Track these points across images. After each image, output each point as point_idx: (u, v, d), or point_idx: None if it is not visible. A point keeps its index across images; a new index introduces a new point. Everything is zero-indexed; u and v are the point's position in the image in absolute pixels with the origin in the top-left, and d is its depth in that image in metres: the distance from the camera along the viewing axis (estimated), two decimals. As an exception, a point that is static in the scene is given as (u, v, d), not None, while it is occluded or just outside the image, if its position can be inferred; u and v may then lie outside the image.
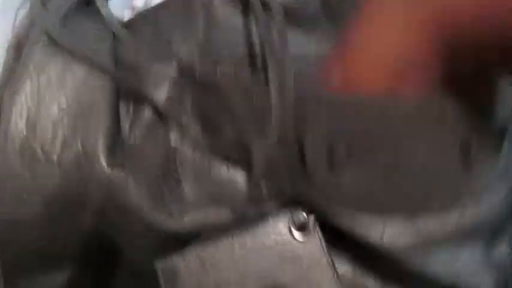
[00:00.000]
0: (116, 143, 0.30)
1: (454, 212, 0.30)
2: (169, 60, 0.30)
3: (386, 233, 0.31)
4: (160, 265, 0.31)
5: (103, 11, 0.31)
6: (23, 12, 0.32)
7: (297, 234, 0.32)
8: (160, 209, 0.30)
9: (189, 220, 0.31)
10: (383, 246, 0.31)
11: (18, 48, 0.30)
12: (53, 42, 0.30)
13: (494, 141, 0.30)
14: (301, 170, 0.30)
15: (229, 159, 0.31)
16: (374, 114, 0.29)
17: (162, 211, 0.30)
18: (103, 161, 0.29)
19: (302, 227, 0.32)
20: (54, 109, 0.29)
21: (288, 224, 0.32)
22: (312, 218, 0.31)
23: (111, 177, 0.29)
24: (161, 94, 0.31)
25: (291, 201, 0.32)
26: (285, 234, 0.32)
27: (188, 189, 0.31)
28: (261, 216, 0.32)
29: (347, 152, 0.30)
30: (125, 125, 0.30)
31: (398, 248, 0.31)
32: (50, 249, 0.31)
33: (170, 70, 0.30)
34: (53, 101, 0.29)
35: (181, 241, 0.31)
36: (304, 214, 0.31)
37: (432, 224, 0.30)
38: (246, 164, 0.31)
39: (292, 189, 0.31)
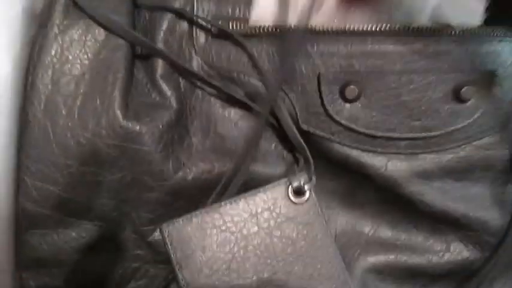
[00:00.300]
0: (131, 97, 0.32)
1: (449, 151, 0.33)
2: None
3: (390, 164, 0.34)
4: (165, 228, 0.33)
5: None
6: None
7: (293, 197, 0.34)
8: (170, 157, 0.32)
9: (196, 170, 0.33)
10: (386, 173, 0.34)
11: (46, 12, 0.33)
12: (76, 7, 0.32)
13: (486, 81, 0.32)
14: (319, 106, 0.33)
15: (244, 109, 0.34)
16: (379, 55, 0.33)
17: (172, 159, 0.32)
18: (119, 114, 0.31)
19: (298, 192, 0.34)
20: (77, 67, 0.32)
21: (286, 188, 0.34)
22: (308, 183, 0.33)
23: (127, 127, 0.31)
24: (174, 45, 0.34)
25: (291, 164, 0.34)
26: (283, 198, 0.34)
27: (196, 140, 0.33)
28: (262, 172, 0.34)
29: (358, 88, 0.33)
30: (141, 79, 0.33)
31: (400, 176, 0.34)
32: (67, 204, 0.33)
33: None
34: (76, 60, 0.32)
35: (186, 196, 0.33)
36: (302, 180, 0.33)
37: (430, 160, 0.34)
38: (261, 116, 0.33)
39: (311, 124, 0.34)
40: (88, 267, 0.34)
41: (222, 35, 0.34)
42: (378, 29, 0.33)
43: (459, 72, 0.33)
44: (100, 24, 0.32)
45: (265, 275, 0.33)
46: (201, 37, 0.34)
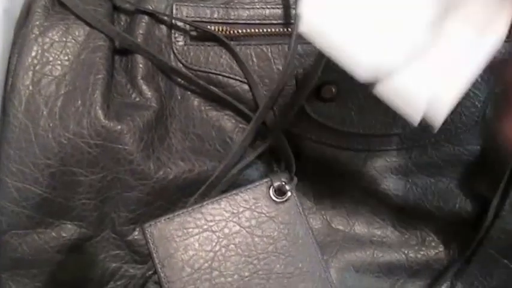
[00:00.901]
0: (112, 98, 0.32)
1: (423, 147, 0.35)
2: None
3: (365, 160, 0.35)
4: (147, 228, 0.33)
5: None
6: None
7: (275, 197, 0.35)
8: (151, 157, 0.32)
9: (176, 169, 0.33)
10: (362, 170, 0.35)
11: (26, 13, 0.33)
12: (56, 7, 0.32)
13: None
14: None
15: (224, 110, 0.35)
16: None
17: (153, 159, 0.32)
18: (101, 114, 0.31)
19: (280, 191, 0.35)
20: (57, 68, 0.32)
21: (267, 188, 0.35)
22: (289, 183, 0.34)
23: (108, 127, 0.31)
24: (154, 48, 0.34)
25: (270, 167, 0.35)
26: (264, 198, 0.35)
27: (176, 140, 0.34)
28: (241, 171, 0.35)
29: (334, 88, 0.33)
30: (121, 80, 0.33)
31: (376, 172, 0.35)
32: (48, 205, 0.33)
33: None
34: (56, 61, 0.32)
35: (166, 195, 0.34)
36: (283, 179, 0.34)
37: (404, 156, 0.35)
38: (243, 114, 0.35)
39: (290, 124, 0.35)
40: (68, 268, 0.33)
41: (201, 37, 0.35)
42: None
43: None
44: (83, 21, 0.33)
45: (247, 274, 0.34)
46: (179, 40, 0.35)
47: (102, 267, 0.34)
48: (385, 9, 0.23)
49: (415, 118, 0.23)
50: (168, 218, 0.34)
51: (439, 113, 0.23)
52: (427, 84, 0.23)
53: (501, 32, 0.23)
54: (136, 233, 0.34)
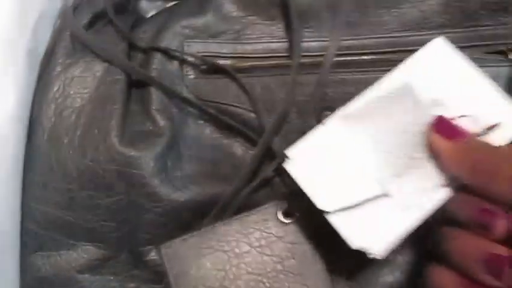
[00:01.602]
0: (127, 127, 0.35)
1: None
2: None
3: None
4: (163, 248, 0.35)
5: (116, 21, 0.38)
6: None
7: (283, 218, 0.36)
8: (164, 181, 0.34)
9: (189, 192, 0.35)
10: None
11: (50, 52, 0.36)
12: (77, 47, 0.36)
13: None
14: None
15: (234, 137, 0.37)
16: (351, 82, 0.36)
17: (166, 183, 0.34)
18: (116, 141, 0.34)
19: (287, 213, 0.36)
20: (77, 100, 0.35)
21: (275, 210, 0.36)
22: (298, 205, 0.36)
23: (123, 153, 0.34)
24: (166, 82, 0.37)
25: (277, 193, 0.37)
26: (273, 219, 0.36)
27: (188, 165, 0.36)
28: (252, 194, 0.36)
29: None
30: (136, 111, 0.36)
31: None
32: (69, 227, 0.35)
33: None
34: (76, 94, 0.35)
35: (179, 217, 0.36)
36: (291, 203, 0.36)
37: None
38: (251, 140, 0.37)
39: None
40: (88, 287, 0.35)
41: (210, 71, 0.37)
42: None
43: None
44: (102, 58, 0.36)
45: (256, 291, 0.35)
46: (190, 74, 0.37)
47: (121, 286, 0.36)
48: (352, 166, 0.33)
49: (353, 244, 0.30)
50: (183, 239, 0.36)
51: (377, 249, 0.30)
52: (371, 225, 0.31)
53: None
54: (152, 253, 0.36)
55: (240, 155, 0.37)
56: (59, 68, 0.36)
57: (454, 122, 0.31)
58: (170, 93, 0.36)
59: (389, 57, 0.36)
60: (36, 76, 0.37)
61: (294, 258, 0.36)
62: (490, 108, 0.33)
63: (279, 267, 0.36)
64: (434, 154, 0.30)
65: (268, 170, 0.36)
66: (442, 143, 0.30)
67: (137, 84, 0.37)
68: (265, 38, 0.37)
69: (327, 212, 0.32)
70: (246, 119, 0.38)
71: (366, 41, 0.37)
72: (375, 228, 0.31)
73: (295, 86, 0.35)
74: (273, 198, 0.37)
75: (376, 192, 0.32)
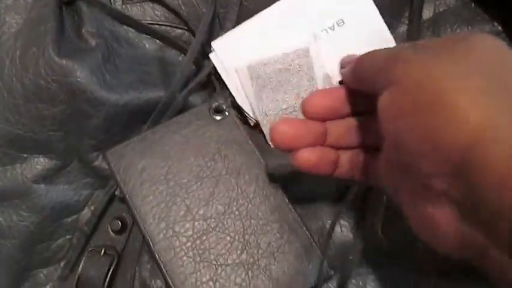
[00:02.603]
0: (62, 44, 0.38)
1: None
2: None
3: None
4: (109, 154, 0.39)
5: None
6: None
7: (214, 115, 0.41)
8: (103, 86, 0.38)
9: (128, 96, 0.39)
10: None
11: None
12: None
13: None
14: None
15: (166, 49, 0.42)
16: None
17: (106, 89, 0.38)
18: (54, 54, 0.37)
19: (218, 110, 0.41)
20: (14, 25, 0.39)
21: (208, 110, 0.41)
22: (226, 102, 0.40)
23: (61, 64, 0.37)
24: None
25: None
26: (205, 117, 0.41)
27: (124, 74, 0.40)
28: (186, 98, 0.41)
29: None
30: (69, 34, 0.40)
31: None
32: (20, 141, 0.38)
33: None
34: (12, 20, 0.39)
35: (121, 121, 0.39)
36: (220, 101, 0.40)
37: None
38: (182, 50, 0.41)
39: None
40: (45, 197, 0.39)
41: None
42: None
43: None
44: None
45: (198, 178, 0.39)
46: (117, 1, 0.42)
47: (76, 194, 0.40)
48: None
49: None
50: (125, 144, 0.39)
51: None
52: None
53: None
54: (100, 159, 0.40)
55: (172, 63, 0.41)
56: (-9, 0, 0.39)
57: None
58: (101, 16, 0.40)
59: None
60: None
61: (227, 147, 0.40)
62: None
63: (216, 156, 0.40)
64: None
65: (201, 74, 0.41)
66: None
67: (67, 9, 0.41)
68: None
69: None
70: (175, 35, 0.42)
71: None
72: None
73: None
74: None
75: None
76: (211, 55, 0.40)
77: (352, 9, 0.41)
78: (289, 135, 0.31)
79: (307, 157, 0.32)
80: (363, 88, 0.29)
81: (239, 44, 0.40)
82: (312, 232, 0.38)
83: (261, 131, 0.40)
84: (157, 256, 0.36)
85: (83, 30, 0.40)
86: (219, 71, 0.39)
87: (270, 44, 0.40)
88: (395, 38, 0.40)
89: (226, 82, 0.39)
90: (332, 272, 0.37)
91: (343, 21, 0.41)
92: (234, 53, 0.39)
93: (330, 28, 0.41)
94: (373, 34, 0.41)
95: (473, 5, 0.42)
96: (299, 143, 0.32)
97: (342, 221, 0.39)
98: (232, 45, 0.40)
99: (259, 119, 0.40)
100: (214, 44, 0.40)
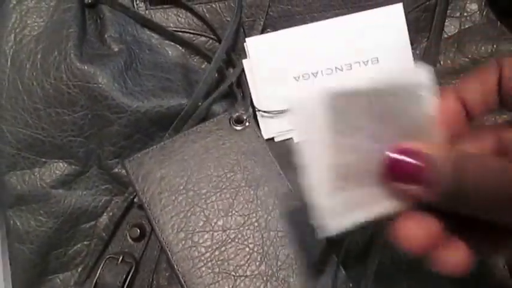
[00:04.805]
0: (84, 50, 0.38)
1: None
2: None
3: None
4: (127, 163, 0.38)
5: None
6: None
7: (235, 126, 0.40)
8: (125, 93, 0.38)
9: (149, 104, 0.38)
10: None
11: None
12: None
13: None
14: None
15: (189, 57, 0.41)
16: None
17: (128, 96, 0.38)
18: (75, 59, 0.37)
19: (238, 120, 0.40)
20: (35, 29, 0.38)
21: (228, 120, 0.41)
22: (247, 113, 0.40)
23: (82, 69, 0.37)
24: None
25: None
26: (226, 127, 0.40)
27: (147, 81, 0.39)
28: (208, 108, 0.40)
29: (272, 30, 0.42)
30: (91, 38, 0.39)
31: None
32: (39, 145, 0.38)
33: None
34: (34, 24, 0.38)
35: (142, 128, 0.39)
36: (241, 111, 0.40)
37: None
38: (206, 57, 0.41)
39: None
40: (63, 203, 0.39)
41: (159, 2, 0.42)
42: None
43: None
44: None
45: (217, 189, 0.39)
46: (141, 6, 0.42)
47: (95, 200, 0.40)
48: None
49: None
50: (145, 152, 0.39)
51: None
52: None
53: None
54: (120, 166, 0.39)
55: (196, 71, 0.41)
56: (13, 1, 0.38)
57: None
58: (124, 22, 0.40)
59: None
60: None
61: (247, 157, 0.40)
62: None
63: (236, 167, 0.40)
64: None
65: (226, 83, 0.40)
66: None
67: (90, 12, 0.40)
68: None
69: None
70: (198, 42, 0.42)
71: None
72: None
73: (240, 8, 0.40)
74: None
75: None
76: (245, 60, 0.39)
77: (389, 53, 0.40)
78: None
79: None
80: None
81: (276, 48, 0.39)
82: (330, 244, 0.38)
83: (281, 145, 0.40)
84: (175, 266, 0.36)
85: (106, 35, 0.39)
86: (248, 74, 0.39)
87: (305, 58, 0.39)
88: (417, 53, 0.40)
89: (251, 86, 0.39)
90: (350, 285, 0.37)
91: (377, 60, 0.40)
92: (270, 55, 0.39)
93: (363, 62, 0.40)
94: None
95: (499, 23, 0.42)
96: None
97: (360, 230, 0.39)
98: (268, 47, 0.39)
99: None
100: (249, 41, 0.39)
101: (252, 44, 0.39)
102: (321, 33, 0.39)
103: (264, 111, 0.39)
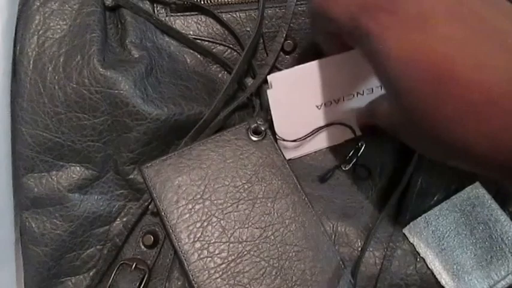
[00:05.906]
0: (106, 55, 0.38)
1: None
2: None
3: None
4: (145, 169, 0.38)
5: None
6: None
7: (252, 136, 0.40)
8: (146, 100, 0.37)
9: (170, 111, 0.38)
10: None
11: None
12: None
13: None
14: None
15: (209, 65, 0.41)
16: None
17: (148, 103, 0.37)
18: (98, 65, 0.37)
19: (256, 131, 0.40)
20: (58, 32, 0.38)
21: (246, 130, 0.40)
22: (265, 124, 0.40)
23: (105, 75, 0.37)
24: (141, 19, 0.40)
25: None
26: (243, 138, 0.40)
27: (166, 89, 0.39)
28: (226, 117, 0.40)
29: (293, 42, 0.42)
30: (112, 44, 0.39)
31: None
32: (58, 148, 0.38)
33: None
34: (56, 26, 0.38)
35: (160, 136, 0.39)
36: (258, 122, 0.40)
37: None
38: (225, 66, 0.41)
39: None
40: (79, 207, 0.38)
41: (179, 9, 0.42)
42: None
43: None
44: None
45: (234, 200, 0.39)
46: (161, 12, 0.42)
47: (109, 205, 0.39)
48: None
49: None
50: (163, 160, 0.39)
51: None
52: None
53: None
54: (136, 172, 0.39)
55: (214, 80, 0.41)
56: (37, 3, 0.38)
57: None
58: (145, 28, 0.40)
59: None
60: (16, 13, 0.39)
61: (265, 170, 0.40)
62: None
63: (253, 178, 0.40)
64: None
65: (245, 94, 0.40)
66: None
67: (111, 17, 0.40)
68: None
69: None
70: (216, 52, 0.42)
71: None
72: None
73: (263, 19, 0.39)
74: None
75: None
76: (269, 91, 0.38)
77: None
78: None
79: None
80: None
81: (297, 80, 0.38)
82: (344, 260, 0.38)
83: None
84: (191, 276, 0.36)
85: (127, 41, 0.39)
86: (272, 105, 0.38)
87: (326, 87, 0.39)
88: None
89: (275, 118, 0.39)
90: (364, 302, 0.37)
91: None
92: (292, 86, 0.38)
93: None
94: None
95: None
96: None
97: (372, 249, 0.39)
98: (291, 80, 0.38)
99: None
100: (273, 77, 0.38)
101: (275, 79, 0.38)
102: (341, 64, 0.38)
103: (284, 140, 0.39)
